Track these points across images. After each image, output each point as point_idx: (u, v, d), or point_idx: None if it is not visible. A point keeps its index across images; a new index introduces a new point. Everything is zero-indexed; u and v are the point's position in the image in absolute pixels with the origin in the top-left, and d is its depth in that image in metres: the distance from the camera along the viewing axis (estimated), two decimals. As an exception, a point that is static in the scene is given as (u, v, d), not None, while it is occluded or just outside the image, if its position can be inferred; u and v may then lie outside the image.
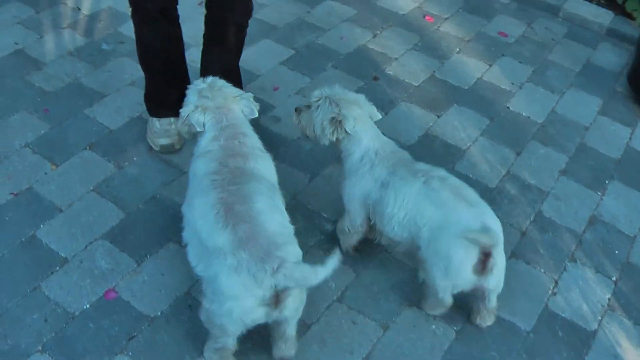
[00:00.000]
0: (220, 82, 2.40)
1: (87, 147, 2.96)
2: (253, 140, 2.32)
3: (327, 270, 1.86)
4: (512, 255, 2.79)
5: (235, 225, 1.96)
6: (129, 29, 3.50)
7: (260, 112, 2.44)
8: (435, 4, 4.31)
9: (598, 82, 3.84)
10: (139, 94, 3.17)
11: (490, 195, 3.01)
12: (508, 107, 3.56)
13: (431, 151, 3.18)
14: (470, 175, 3.11)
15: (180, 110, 2.36)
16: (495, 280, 2.30)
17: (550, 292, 2.68)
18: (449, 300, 2.40)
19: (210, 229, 2.00)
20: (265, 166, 2.27)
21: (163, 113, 2.99)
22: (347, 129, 2.35)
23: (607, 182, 3.21)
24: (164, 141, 2.97)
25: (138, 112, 3.13)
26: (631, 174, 3.27)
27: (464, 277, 2.25)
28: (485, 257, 2.20)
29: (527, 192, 3.08)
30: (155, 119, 2.98)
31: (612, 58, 4.08)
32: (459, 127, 3.37)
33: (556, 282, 2.73)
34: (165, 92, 2.94)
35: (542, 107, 3.60)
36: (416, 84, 3.58)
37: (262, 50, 3.66)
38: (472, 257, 2.21)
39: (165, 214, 2.73)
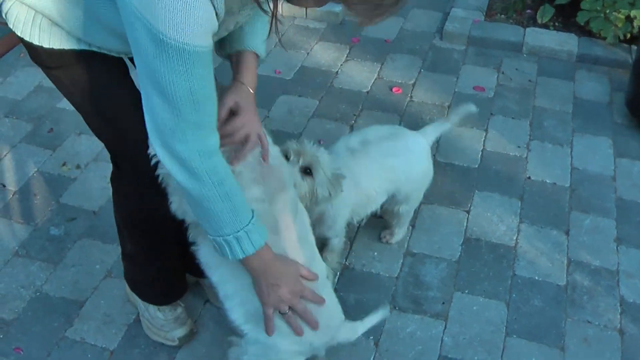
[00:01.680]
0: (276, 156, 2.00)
1: (94, 384, 2.40)
2: None
3: (367, 326, 2.18)
4: (625, 364, 2.51)
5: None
6: (72, 197, 3.03)
7: None
8: (393, 71, 4.00)
9: (596, 119, 3.69)
10: (120, 286, 2.66)
11: (567, 296, 2.75)
12: (529, 178, 3.30)
13: (482, 261, 2.87)
14: (536, 277, 2.83)
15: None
16: None
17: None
18: None
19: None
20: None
21: (171, 297, 2.49)
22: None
23: (663, 236, 3.02)
24: (181, 332, 2.46)
25: (132, 313, 2.59)
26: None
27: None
28: None
29: (598, 278, 2.83)
30: (154, 309, 2.46)
31: (594, 87, 3.93)
32: (495, 219, 3.07)
33: (682, 379, 2.48)
34: (172, 271, 2.43)
35: (561, 167, 3.37)
36: (423, 177, 3.23)
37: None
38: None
39: None
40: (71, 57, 1.83)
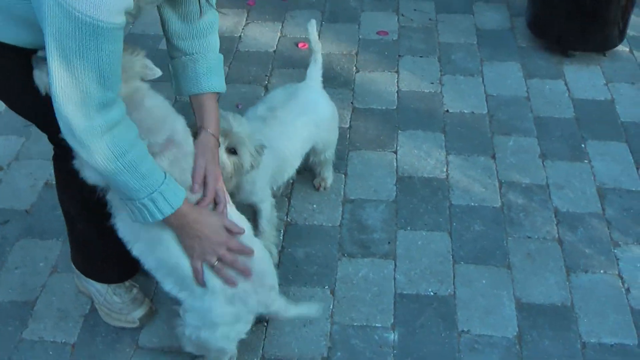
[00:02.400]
0: None
1: (58, 383, 2.34)
2: None
3: (299, 310, 2.19)
4: (568, 270, 2.66)
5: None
6: (1, 200, 2.94)
7: None
8: (295, 27, 4.02)
9: (502, 47, 3.83)
10: (68, 280, 2.61)
11: (504, 216, 2.86)
12: (447, 111, 3.40)
13: (418, 197, 2.96)
14: (472, 204, 2.93)
15: None
16: None
17: (624, 291, 2.59)
18: None
19: None
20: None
21: (129, 271, 2.47)
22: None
23: (583, 145, 3.20)
24: (140, 312, 2.44)
25: (87, 304, 2.54)
26: (595, 127, 3.32)
27: None
28: None
29: (531, 194, 2.96)
30: (110, 294, 2.43)
31: (494, 16, 4.07)
32: (422, 155, 3.15)
33: (621, 277, 2.63)
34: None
35: (476, 96, 3.49)
36: (346, 126, 3.29)
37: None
38: None
39: None
40: None
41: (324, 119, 2.77)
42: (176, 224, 1.90)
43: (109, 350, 2.41)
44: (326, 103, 2.80)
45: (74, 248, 2.44)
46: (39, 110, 1.92)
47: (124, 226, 2.03)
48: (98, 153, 1.69)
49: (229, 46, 3.85)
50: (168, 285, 2.08)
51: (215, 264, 1.97)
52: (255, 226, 2.60)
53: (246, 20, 4.10)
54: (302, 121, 2.66)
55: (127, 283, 2.46)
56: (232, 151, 2.28)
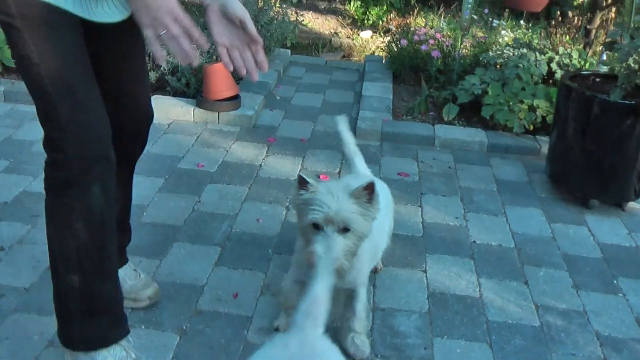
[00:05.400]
0: None
1: None
2: None
3: None
4: (618, 391, 2.46)
5: None
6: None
7: None
8: (316, 163, 4.04)
9: (521, 195, 3.85)
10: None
11: (544, 335, 2.70)
12: (475, 242, 3.32)
13: (453, 310, 2.80)
14: (510, 321, 2.76)
15: None
16: None
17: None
18: None
19: None
20: None
21: (119, 332, 2.19)
22: None
23: (615, 281, 3.10)
24: None
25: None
26: (625, 266, 3.25)
27: None
28: None
29: (569, 318, 2.82)
30: (104, 355, 2.14)
31: (511, 170, 4.13)
32: (452, 275, 3.03)
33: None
34: (114, 294, 2.13)
35: (502, 232, 3.44)
36: (373, 246, 3.18)
37: (180, 258, 2.98)
38: None
39: None
40: (42, 11, 1.76)
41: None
42: None
43: None
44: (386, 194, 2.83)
45: (64, 315, 2.17)
46: (60, 102, 1.84)
47: None
48: None
49: (250, 172, 3.83)
50: None
51: (162, 34, 1.76)
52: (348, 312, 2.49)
53: (266, 153, 4.11)
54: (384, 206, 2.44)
55: (124, 341, 2.20)
56: (345, 230, 2.14)
